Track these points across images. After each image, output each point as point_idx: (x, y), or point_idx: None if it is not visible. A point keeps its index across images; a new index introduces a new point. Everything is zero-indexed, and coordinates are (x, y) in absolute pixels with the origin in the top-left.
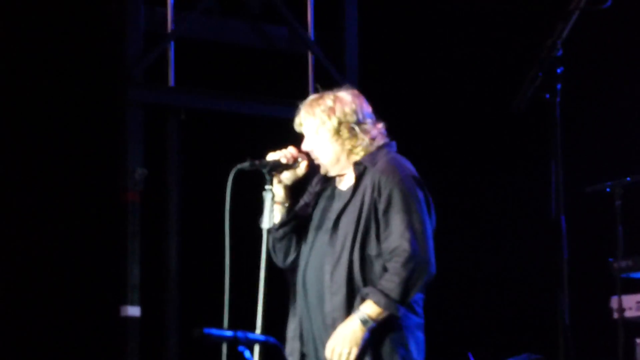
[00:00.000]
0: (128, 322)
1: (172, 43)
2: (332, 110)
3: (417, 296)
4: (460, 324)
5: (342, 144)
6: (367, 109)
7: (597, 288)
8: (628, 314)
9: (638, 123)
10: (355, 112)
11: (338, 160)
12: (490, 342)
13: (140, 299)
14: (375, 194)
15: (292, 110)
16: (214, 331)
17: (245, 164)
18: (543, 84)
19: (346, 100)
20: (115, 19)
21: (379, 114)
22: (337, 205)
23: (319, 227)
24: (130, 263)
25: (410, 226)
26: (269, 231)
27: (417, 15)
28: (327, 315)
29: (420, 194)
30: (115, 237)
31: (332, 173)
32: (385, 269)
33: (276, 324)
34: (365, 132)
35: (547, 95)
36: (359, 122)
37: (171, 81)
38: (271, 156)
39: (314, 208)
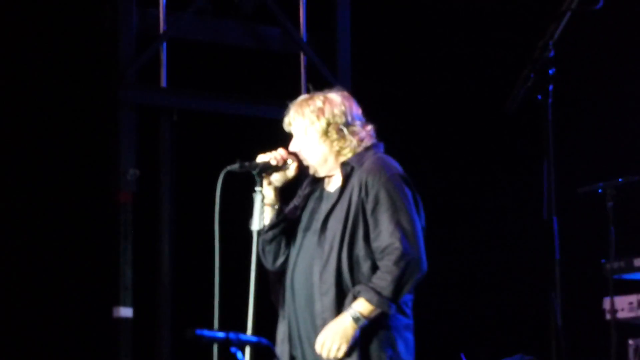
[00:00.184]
0: (120, 323)
1: (165, 44)
2: (321, 111)
3: (406, 297)
4: (453, 325)
5: (330, 145)
6: (357, 110)
7: (589, 289)
8: (620, 315)
9: (630, 124)
10: (344, 113)
11: (326, 161)
12: (482, 343)
13: (133, 300)
14: (363, 193)
15: (285, 111)
16: (206, 332)
17: (235, 166)
18: (535, 85)
19: (336, 102)
20: (108, 20)
21: (372, 114)
22: (325, 207)
23: (307, 229)
24: (122, 264)
25: (399, 224)
26: (259, 233)
27: (410, 15)
28: (317, 316)
29: (408, 193)
30: (107, 238)
31: (320, 174)
32: (374, 269)
33: (267, 325)
34: (353, 133)
35: (539, 96)
36: (347, 124)
37: (164, 82)
38: (261, 158)
39: (302, 210)
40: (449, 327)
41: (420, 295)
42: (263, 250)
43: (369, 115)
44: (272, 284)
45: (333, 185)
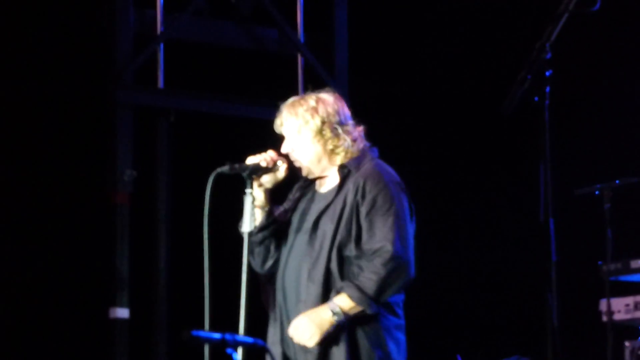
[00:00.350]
0: (117, 324)
1: (162, 45)
2: (315, 110)
3: (397, 297)
4: (450, 326)
5: (324, 144)
6: (348, 112)
7: (586, 291)
8: (617, 317)
9: (627, 126)
10: (337, 112)
11: (319, 161)
12: (479, 345)
13: (129, 301)
14: (359, 196)
15: (276, 112)
16: (202, 333)
17: (225, 168)
18: (532, 87)
19: (328, 101)
20: (105, 21)
21: (369, 115)
22: (317, 207)
23: (298, 230)
24: (119, 265)
25: (393, 229)
26: (250, 235)
27: (407, 17)
28: (301, 305)
29: (404, 200)
30: (104, 239)
31: (312, 175)
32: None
33: (259, 326)
34: (347, 133)
35: (536, 98)
36: (341, 123)
37: (161, 83)
38: (250, 160)
39: (293, 212)
40: (445, 328)
41: (417, 296)
42: (252, 252)
43: (366, 116)
44: (263, 286)
45: (326, 186)
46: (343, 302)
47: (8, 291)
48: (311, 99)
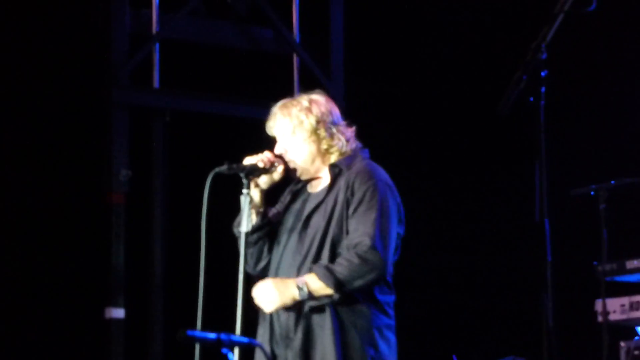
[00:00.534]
0: (112, 324)
1: (157, 45)
2: (309, 110)
3: (388, 297)
4: (446, 327)
5: (319, 144)
6: (339, 112)
7: (581, 291)
8: (612, 317)
9: (623, 126)
10: (330, 112)
11: (313, 161)
12: (475, 345)
13: (125, 301)
14: (349, 193)
15: (268, 114)
16: (198, 333)
17: (223, 168)
18: (527, 87)
19: (321, 102)
20: (101, 21)
21: (365, 115)
22: (309, 207)
23: (291, 230)
24: (114, 265)
25: (376, 226)
26: (247, 235)
27: (404, 17)
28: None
29: (391, 200)
30: (99, 239)
31: (306, 176)
32: None
33: (256, 326)
34: (341, 133)
35: (532, 98)
36: (334, 123)
37: (156, 83)
38: (248, 160)
39: (285, 213)
40: (441, 328)
41: (413, 296)
42: (245, 252)
43: (362, 116)
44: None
45: (318, 186)
46: (310, 280)
47: (3, 291)
48: (304, 100)
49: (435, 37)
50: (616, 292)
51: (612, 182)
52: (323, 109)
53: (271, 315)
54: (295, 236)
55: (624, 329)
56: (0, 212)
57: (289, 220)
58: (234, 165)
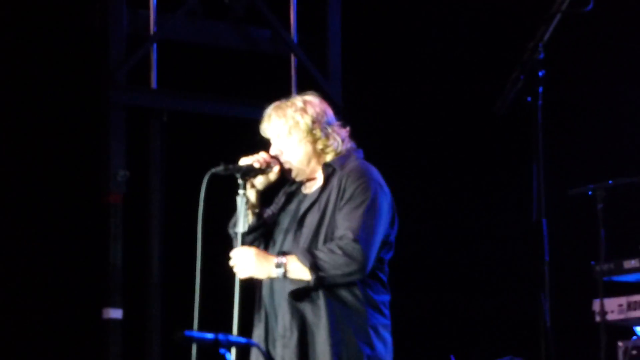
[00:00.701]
0: (110, 324)
1: (155, 45)
2: (304, 110)
3: (384, 297)
4: (443, 327)
5: (314, 144)
6: (332, 113)
7: (579, 291)
8: (610, 317)
9: (620, 126)
10: (325, 112)
11: (309, 161)
12: (472, 345)
13: (123, 302)
14: (341, 192)
15: (263, 116)
16: (195, 334)
17: (220, 168)
18: (525, 87)
19: (315, 102)
20: (98, 21)
21: (363, 115)
22: (303, 207)
23: (286, 230)
24: (112, 265)
25: (360, 221)
26: (243, 235)
27: (401, 17)
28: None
29: (383, 200)
30: (97, 239)
31: (301, 176)
32: None
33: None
34: (336, 132)
35: (529, 98)
36: (329, 123)
37: (154, 83)
38: (244, 161)
39: (280, 214)
40: (439, 328)
41: (410, 296)
42: None
43: (360, 116)
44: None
45: (313, 187)
46: (290, 260)
47: (1, 291)
48: (298, 101)
49: (433, 37)
50: (614, 292)
51: (610, 182)
52: (318, 110)
53: (267, 315)
54: (290, 236)
55: (622, 328)
56: None
57: (285, 221)
58: (230, 166)
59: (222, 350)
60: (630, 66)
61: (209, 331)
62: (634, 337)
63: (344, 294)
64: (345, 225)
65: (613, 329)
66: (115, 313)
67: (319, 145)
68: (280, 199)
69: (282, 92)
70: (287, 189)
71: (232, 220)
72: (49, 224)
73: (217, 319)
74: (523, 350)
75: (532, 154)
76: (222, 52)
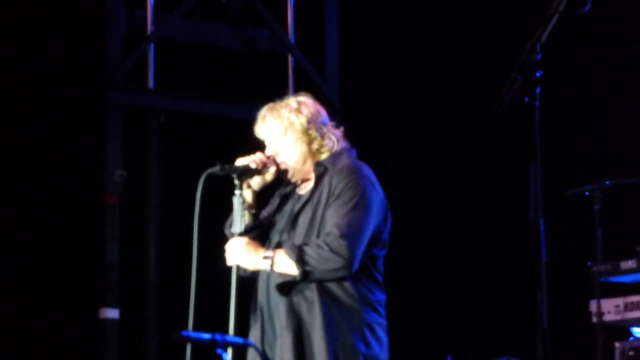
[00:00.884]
0: (107, 324)
1: (152, 45)
2: (298, 110)
3: (379, 296)
4: (440, 327)
5: (310, 144)
6: (326, 113)
7: (576, 292)
8: (607, 318)
9: (618, 127)
10: (319, 113)
11: (305, 161)
12: (469, 345)
13: (119, 302)
14: (332, 189)
15: (257, 118)
16: (192, 334)
17: (216, 169)
18: (522, 88)
19: (309, 103)
20: (96, 21)
21: (360, 115)
22: (297, 207)
23: (282, 230)
24: (109, 265)
25: (349, 218)
26: (239, 235)
27: (398, 18)
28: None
29: (374, 197)
30: (94, 239)
31: (297, 177)
32: None
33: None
34: (331, 132)
35: (527, 99)
36: (324, 123)
37: (151, 83)
38: (240, 161)
39: (275, 214)
40: (436, 329)
41: (407, 297)
42: None
43: (357, 116)
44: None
45: (307, 187)
46: (277, 253)
47: None
48: (292, 101)
49: (430, 37)
50: (611, 292)
51: (607, 182)
52: (312, 110)
53: (263, 316)
54: (285, 236)
55: (619, 329)
56: None
57: (280, 222)
58: (226, 167)
59: (219, 351)
60: (628, 67)
61: (206, 331)
62: (631, 338)
63: (339, 292)
64: (332, 221)
65: (610, 329)
66: (112, 313)
67: (315, 146)
68: (276, 200)
69: (279, 93)
70: (282, 190)
71: (228, 221)
72: (46, 224)
73: (213, 319)
74: (520, 351)
75: (529, 155)
76: (220, 52)
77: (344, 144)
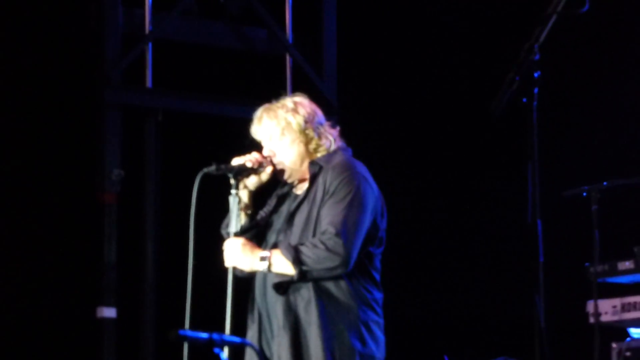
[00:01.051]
0: (104, 323)
1: (150, 44)
2: (295, 110)
3: (376, 294)
4: (437, 327)
5: (307, 144)
6: (322, 113)
7: (573, 292)
8: (604, 318)
9: (615, 127)
10: (315, 112)
11: (302, 162)
12: (466, 345)
13: (117, 300)
14: (326, 187)
15: (253, 119)
16: (190, 333)
17: (211, 168)
18: (520, 88)
19: (305, 103)
20: (93, 20)
21: (358, 115)
22: (293, 206)
23: (278, 231)
24: (106, 264)
25: (344, 215)
26: (236, 235)
27: (396, 17)
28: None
29: (368, 193)
30: (91, 238)
31: (294, 177)
32: None
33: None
34: (328, 132)
35: (524, 99)
36: (320, 123)
37: (149, 82)
38: (236, 161)
39: (272, 215)
40: (433, 329)
41: (404, 296)
42: None
43: (355, 116)
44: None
45: (304, 187)
46: (274, 254)
47: None
48: (288, 102)
49: (428, 37)
50: (608, 293)
51: (605, 183)
52: (308, 110)
53: (260, 316)
54: (282, 236)
55: (616, 330)
56: None
57: (277, 222)
58: (222, 166)
59: (216, 350)
60: (626, 67)
61: (203, 331)
62: (628, 339)
63: (335, 290)
64: (327, 219)
65: (607, 330)
66: (110, 312)
67: (312, 145)
68: (273, 200)
69: (277, 92)
70: (279, 190)
71: (225, 221)
72: (44, 223)
73: (210, 318)
74: (517, 351)
75: (527, 155)
76: (218, 52)
77: (340, 143)
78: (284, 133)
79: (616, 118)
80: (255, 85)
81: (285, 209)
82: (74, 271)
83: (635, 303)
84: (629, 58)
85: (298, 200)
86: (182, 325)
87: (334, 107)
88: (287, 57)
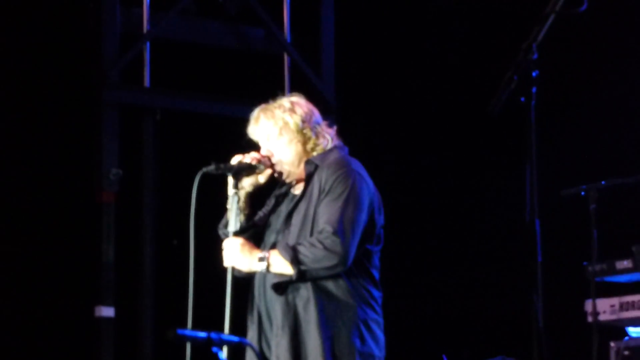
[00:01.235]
0: (102, 322)
1: (148, 44)
2: (292, 110)
3: (375, 293)
4: (435, 326)
5: (305, 144)
6: (319, 113)
7: (571, 292)
8: (602, 317)
9: (613, 126)
10: (312, 112)
11: (300, 161)
12: (464, 345)
13: (115, 300)
14: (322, 185)
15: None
16: (188, 332)
17: (211, 168)
18: (518, 87)
19: (302, 102)
20: (92, 20)
21: (356, 115)
22: (290, 206)
23: (277, 231)
24: (104, 263)
25: (340, 214)
26: (235, 234)
27: (395, 17)
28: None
29: (364, 190)
30: (89, 238)
31: (292, 177)
32: None
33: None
34: (325, 131)
35: (523, 99)
36: (317, 123)
37: (147, 82)
38: (235, 159)
39: (270, 215)
40: (431, 328)
41: (403, 296)
42: None
43: (353, 115)
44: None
45: (301, 187)
46: (272, 254)
47: None
48: (285, 102)
49: (426, 37)
50: (606, 292)
51: (603, 182)
52: (305, 109)
53: (260, 316)
54: (280, 236)
55: (614, 329)
56: None
57: (275, 222)
58: (222, 165)
59: (214, 349)
60: (624, 67)
61: (202, 330)
62: (626, 338)
63: (334, 289)
64: (324, 218)
65: (605, 329)
66: (108, 311)
67: (309, 145)
68: (271, 201)
69: (275, 92)
70: (277, 191)
71: (223, 221)
72: (42, 222)
73: (209, 318)
74: (515, 351)
75: (525, 155)
76: (216, 51)
77: (337, 142)
78: (281, 133)
79: (614, 117)
80: (253, 85)
81: (283, 209)
82: (72, 270)
83: (633, 302)
84: (628, 57)
85: (295, 200)
86: (181, 325)
87: (331, 106)
88: (285, 57)
